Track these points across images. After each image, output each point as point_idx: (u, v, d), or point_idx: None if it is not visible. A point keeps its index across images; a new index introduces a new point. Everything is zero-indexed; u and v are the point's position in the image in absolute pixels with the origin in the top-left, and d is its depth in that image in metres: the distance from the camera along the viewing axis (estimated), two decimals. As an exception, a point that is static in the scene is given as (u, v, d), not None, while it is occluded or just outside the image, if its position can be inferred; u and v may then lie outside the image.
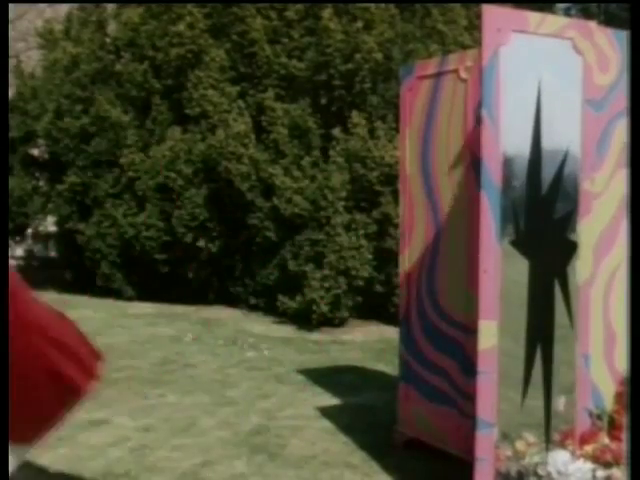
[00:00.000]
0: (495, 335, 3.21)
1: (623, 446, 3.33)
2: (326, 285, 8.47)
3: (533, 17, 3.30)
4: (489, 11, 3.21)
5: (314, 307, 8.47)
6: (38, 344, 1.90)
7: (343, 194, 8.55)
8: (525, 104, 3.28)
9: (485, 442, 3.22)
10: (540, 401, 3.35)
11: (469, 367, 3.50)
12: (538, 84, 3.30)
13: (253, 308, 9.53)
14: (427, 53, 8.64)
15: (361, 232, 8.59)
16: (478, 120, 3.28)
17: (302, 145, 9.12)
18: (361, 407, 5.40)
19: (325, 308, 8.47)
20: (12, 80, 11.63)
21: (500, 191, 3.22)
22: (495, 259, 3.21)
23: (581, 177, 3.40)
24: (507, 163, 3.25)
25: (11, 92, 11.29)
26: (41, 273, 13.29)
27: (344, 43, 8.84)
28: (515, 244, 3.28)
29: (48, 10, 15.70)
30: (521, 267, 3.30)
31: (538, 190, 3.32)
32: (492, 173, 3.20)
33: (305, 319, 8.62)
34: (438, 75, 4.18)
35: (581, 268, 3.41)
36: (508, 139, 3.24)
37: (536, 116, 3.30)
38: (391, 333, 7.40)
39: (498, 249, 3.22)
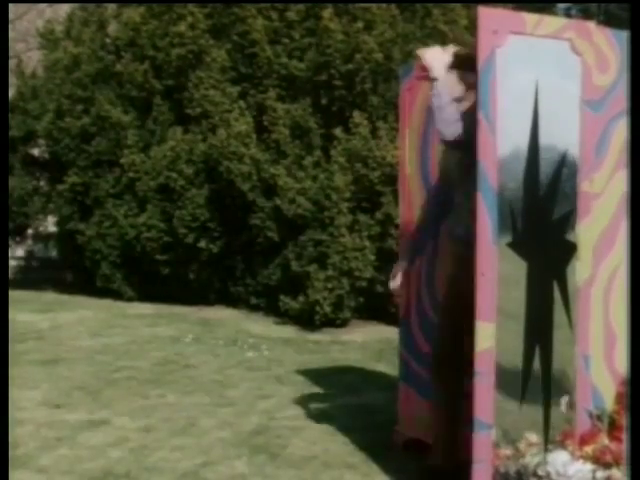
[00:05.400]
0: (492, 336, 3.21)
1: (623, 447, 3.33)
2: (329, 286, 8.47)
3: (530, 18, 3.29)
4: (485, 13, 3.20)
5: (317, 308, 8.47)
6: None
7: (347, 195, 8.56)
8: (522, 105, 3.28)
9: (483, 443, 3.22)
10: (539, 402, 3.35)
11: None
12: (536, 85, 3.29)
13: (254, 308, 9.53)
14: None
15: (364, 233, 8.59)
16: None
17: (303, 145, 9.13)
18: (361, 407, 5.39)
19: (328, 309, 8.47)
20: (12, 80, 11.64)
21: (497, 193, 3.22)
22: (492, 260, 3.21)
23: (580, 178, 3.40)
24: (504, 164, 3.25)
25: (11, 92, 11.30)
26: (41, 273, 13.32)
27: (344, 43, 8.85)
28: (513, 245, 3.28)
29: (48, 10, 15.72)
30: (519, 268, 3.29)
31: (536, 191, 3.32)
32: (489, 175, 3.20)
33: (307, 320, 8.62)
34: (438, 75, 4.17)
35: (581, 269, 3.40)
36: (505, 140, 3.24)
37: (534, 117, 3.29)
38: (391, 333, 7.38)
39: (495, 250, 3.22)
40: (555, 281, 3.36)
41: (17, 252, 13.96)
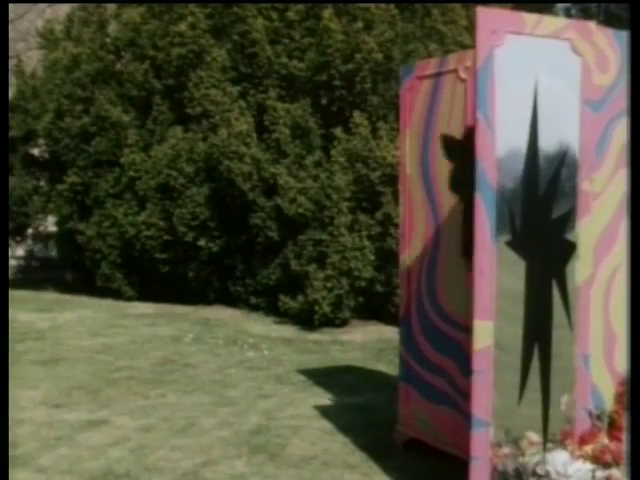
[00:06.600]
0: (491, 335, 3.22)
1: (623, 446, 3.34)
2: (329, 285, 8.47)
3: (529, 18, 3.29)
4: (484, 13, 3.20)
5: (316, 307, 8.47)
6: None
7: (347, 194, 8.56)
8: (521, 105, 3.28)
9: (480, 441, 3.22)
10: (538, 401, 3.35)
11: (469, 367, 3.50)
12: (535, 85, 3.30)
13: (254, 308, 9.53)
14: (427, 53, 8.65)
15: (364, 233, 8.59)
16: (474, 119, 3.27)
17: (304, 145, 9.13)
18: (361, 407, 5.40)
19: (327, 308, 8.47)
20: (13, 80, 11.63)
21: (495, 192, 3.22)
22: (490, 259, 3.21)
23: (580, 177, 3.40)
24: (503, 164, 3.25)
25: (12, 92, 11.29)
26: (41, 273, 13.32)
27: (344, 43, 8.85)
28: (511, 244, 3.28)
29: (48, 10, 15.71)
30: (518, 268, 3.29)
31: (535, 191, 3.32)
32: (487, 174, 3.21)
33: (307, 319, 8.62)
34: (438, 75, 4.18)
35: (581, 268, 3.40)
36: (504, 140, 3.24)
37: (533, 117, 3.30)
38: (391, 333, 7.40)
39: (494, 249, 3.22)
40: (555, 280, 3.36)
41: (17, 252, 13.96)
